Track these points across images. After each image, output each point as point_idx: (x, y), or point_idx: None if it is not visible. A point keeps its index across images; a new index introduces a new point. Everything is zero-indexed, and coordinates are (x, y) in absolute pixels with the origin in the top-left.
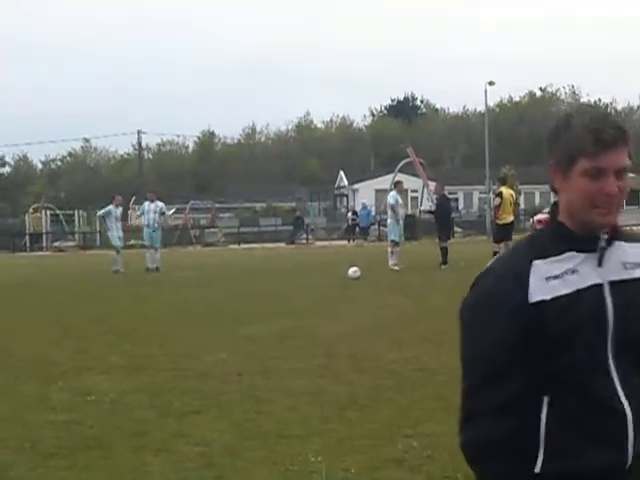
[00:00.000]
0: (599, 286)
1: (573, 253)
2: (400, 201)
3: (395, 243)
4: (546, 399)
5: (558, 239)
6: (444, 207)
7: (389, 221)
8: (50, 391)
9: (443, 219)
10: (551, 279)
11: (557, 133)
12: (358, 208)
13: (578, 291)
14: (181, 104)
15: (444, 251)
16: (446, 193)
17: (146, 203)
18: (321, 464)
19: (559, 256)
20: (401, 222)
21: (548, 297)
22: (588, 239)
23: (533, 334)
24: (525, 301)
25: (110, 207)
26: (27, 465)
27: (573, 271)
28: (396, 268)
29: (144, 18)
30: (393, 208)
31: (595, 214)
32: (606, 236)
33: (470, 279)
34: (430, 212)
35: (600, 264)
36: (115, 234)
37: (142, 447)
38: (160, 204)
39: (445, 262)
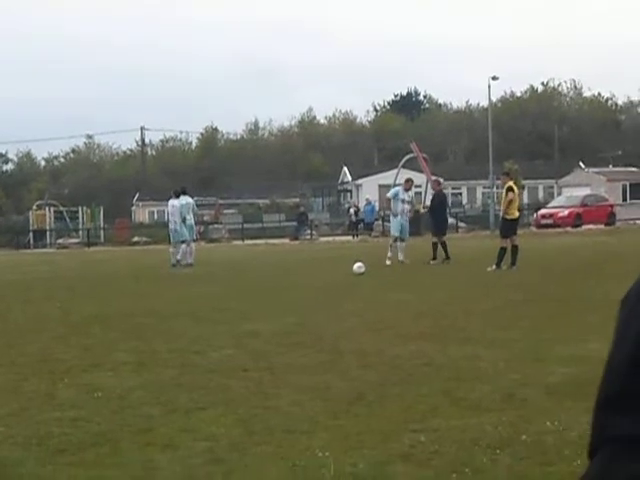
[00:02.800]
0: None
1: None
2: (402, 196)
3: (395, 238)
4: None
5: None
6: (439, 202)
7: (390, 217)
8: (57, 388)
9: (437, 214)
10: None
11: None
12: (362, 204)
13: None
14: (184, 100)
15: (435, 246)
16: (442, 189)
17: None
18: (328, 459)
19: None
20: (400, 217)
21: None
22: None
23: None
24: None
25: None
26: (36, 462)
27: None
28: (388, 263)
29: (147, 13)
30: (388, 201)
31: None
32: None
33: (475, 274)
34: (426, 207)
35: None
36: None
37: (149, 443)
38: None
39: (434, 257)
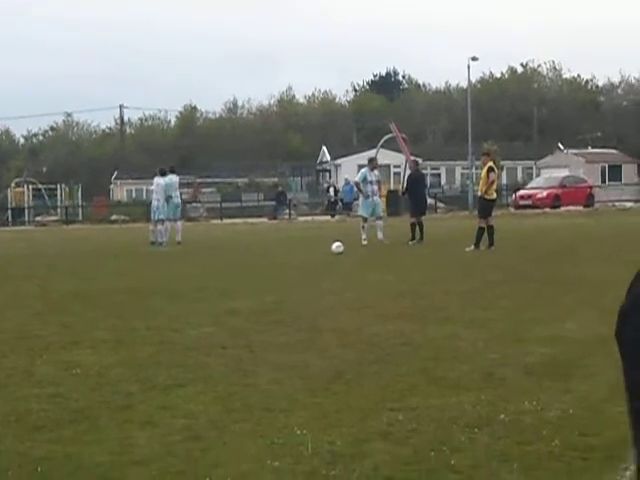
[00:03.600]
0: None
1: None
2: (370, 177)
3: (364, 218)
4: None
5: None
6: (416, 182)
7: (360, 198)
8: (35, 365)
9: (415, 194)
10: None
11: None
12: (341, 184)
13: None
14: (163, 78)
15: (413, 227)
16: (420, 169)
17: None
18: (307, 437)
19: None
20: (372, 198)
21: None
22: None
23: None
24: None
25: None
26: (14, 438)
27: None
28: (364, 243)
29: None
30: (357, 185)
31: None
32: None
33: (453, 254)
34: (404, 191)
35: None
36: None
37: (128, 420)
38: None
39: (413, 238)
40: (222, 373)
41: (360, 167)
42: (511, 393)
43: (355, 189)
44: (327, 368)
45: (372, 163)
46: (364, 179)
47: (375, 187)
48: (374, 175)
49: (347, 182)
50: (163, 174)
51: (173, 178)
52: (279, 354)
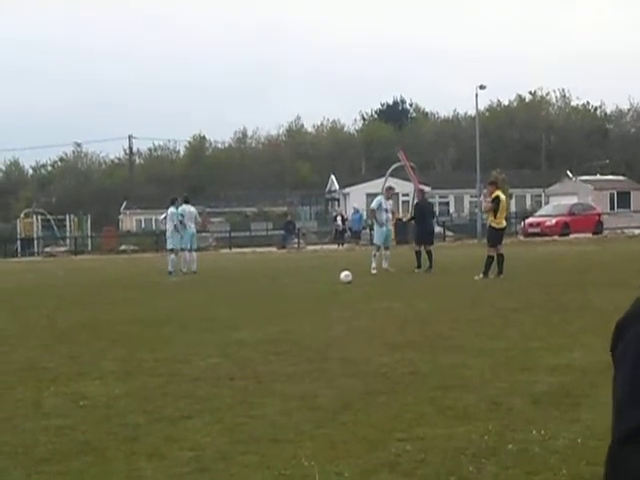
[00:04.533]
0: None
1: None
2: (385, 206)
3: (377, 247)
4: None
5: None
6: (424, 210)
7: (374, 226)
8: (43, 397)
9: (421, 223)
10: None
11: None
12: (349, 212)
13: None
14: (172, 109)
15: (418, 255)
16: (426, 197)
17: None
18: (314, 468)
19: None
20: (385, 227)
21: None
22: None
23: None
24: None
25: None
26: (21, 470)
27: None
28: (374, 272)
29: (134, 22)
30: (373, 212)
31: None
32: None
33: (462, 282)
34: (411, 219)
35: None
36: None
37: (135, 452)
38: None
39: (419, 266)
40: (229, 404)
41: (369, 196)
42: (518, 422)
43: (364, 217)
44: (335, 398)
45: (389, 192)
46: (379, 206)
47: (390, 215)
48: (389, 204)
49: (356, 211)
50: (172, 203)
51: (187, 208)
52: (287, 385)
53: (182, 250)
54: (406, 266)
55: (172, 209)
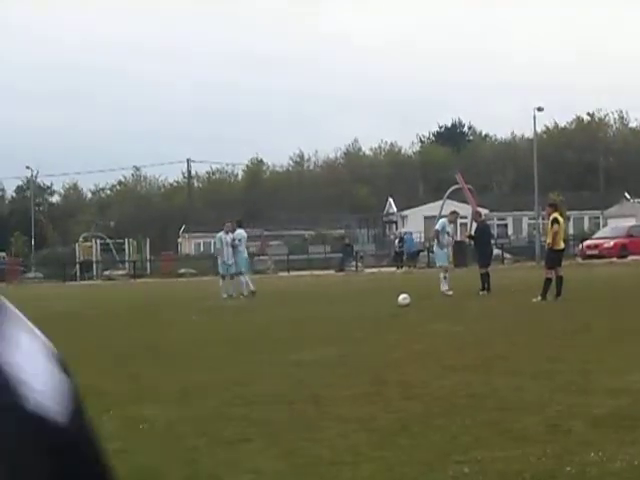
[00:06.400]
0: None
1: None
2: (447, 229)
3: (444, 268)
4: None
5: None
6: (483, 233)
7: (435, 248)
8: (102, 420)
9: (482, 245)
10: None
11: None
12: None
13: None
14: (230, 132)
15: (483, 277)
16: (484, 220)
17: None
18: None
19: None
20: (446, 249)
21: None
22: None
23: None
24: None
25: (220, 234)
26: None
27: None
28: (449, 293)
29: (194, 44)
30: (437, 234)
31: None
32: None
33: (520, 304)
34: (470, 237)
35: None
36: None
37: (193, 476)
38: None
39: (484, 288)
40: (287, 427)
41: (427, 218)
42: (576, 445)
43: (417, 239)
44: (393, 421)
45: (452, 215)
46: (443, 228)
47: (451, 239)
48: (451, 227)
49: (409, 233)
50: (240, 226)
51: (241, 232)
52: (345, 407)
53: (239, 274)
54: (466, 289)
55: (242, 231)
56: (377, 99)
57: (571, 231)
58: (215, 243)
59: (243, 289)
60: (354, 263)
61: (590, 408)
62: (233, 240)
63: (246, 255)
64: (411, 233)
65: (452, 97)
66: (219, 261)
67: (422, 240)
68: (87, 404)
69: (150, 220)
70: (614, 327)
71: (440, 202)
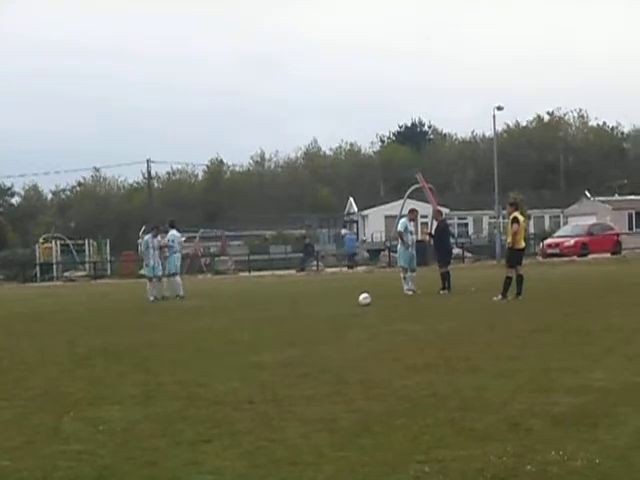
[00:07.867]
0: None
1: None
2: (410, 228)
3: (404, 269)
4: None
5: None
6: (443, 232)
7: (398, 247)
8: (62, 421)
9: (442, 244)
10: None
11: None
12: (368, 234)
13: None
14: (189, 132)
15: (444, 276)
16: (444, 219)
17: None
18: None
19: None
20: (411, 249)
21: None
22: None
23: None
24: None
25: (147, 237)
26: None
27: None
28: (410, 293)
29: (148, 44)
30: (400, 235)
31: None
32: None
33: (481, 304)
34: (430, 235)
35: None
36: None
37: (154, 476)
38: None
39: (444, 287)
40: (249, 428)
41: (387, 218)
42: (538, 443)
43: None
44: (354, 421)
45: (412, 214)
46: (406, 228)
47: (414, 237)
48: (412, 225)
49: (348, 234)
50: (173, 227)
51: (174, 233)
52: (306, 407)
53: (174, 275)
54: (426, 288)
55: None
56: (337, 100)
57: (532, 230)
58: (141, 245)
59: (180, 290)
60: (315, 263)
61: (551, 406)
62: (168, 241)
63: (179, 256)
64: (353, 233)
65: (412, 97)
66: (144, 263)
67: (383, 239)
68: (48, 405)
69: (110, 221)
70: (575, 326)
71: (401, 201)
